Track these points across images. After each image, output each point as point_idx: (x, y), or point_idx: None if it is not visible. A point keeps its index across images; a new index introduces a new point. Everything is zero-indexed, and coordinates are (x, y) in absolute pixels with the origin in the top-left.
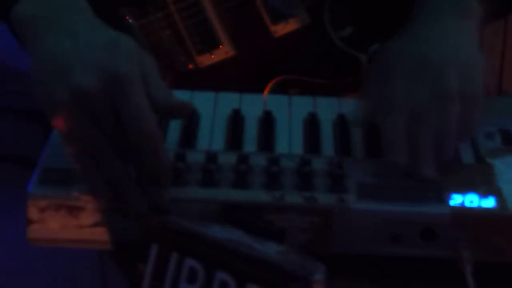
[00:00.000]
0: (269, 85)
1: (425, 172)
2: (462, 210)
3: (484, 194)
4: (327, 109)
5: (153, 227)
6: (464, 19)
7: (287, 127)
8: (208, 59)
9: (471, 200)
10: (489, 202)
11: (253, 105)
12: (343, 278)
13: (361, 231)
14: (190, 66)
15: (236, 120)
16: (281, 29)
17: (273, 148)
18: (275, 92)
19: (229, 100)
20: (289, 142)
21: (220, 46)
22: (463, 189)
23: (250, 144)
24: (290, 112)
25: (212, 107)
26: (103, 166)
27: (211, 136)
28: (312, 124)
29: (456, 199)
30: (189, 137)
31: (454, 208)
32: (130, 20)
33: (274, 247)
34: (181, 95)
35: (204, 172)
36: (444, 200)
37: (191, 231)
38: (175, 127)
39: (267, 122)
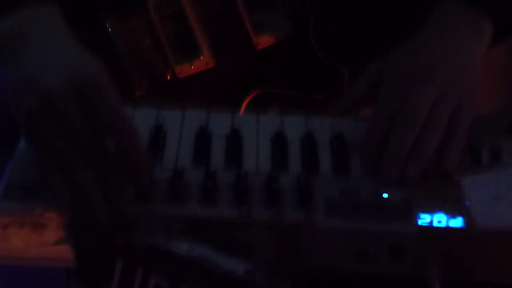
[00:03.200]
0: (248, 99)
1: (385, 173)
2: (430, 229)
3: (452, 214)
4: (295, 128)
5: (118, 243)
6: (475, 42)
7: (254, 145)
8: (187, 69)
9: (439, 219)
10: (457, 222)
11: (220, 124)
12: None
13: (328, 248)
14: (168, 77)
15: (203, 138)
16: (265, 41)
17: (241, 166)
18: (254, 106)
19: (196, 118)
20: (256, 159)
21: (201, 57)
22: (431, 208)
23: (217, 161)
24: (258, 130)
25: (179, 125)
26: (69, 176)
27: (178, 153)
28: (279, 142)
29: (424, 218)
30: (156, 153)
31: (422, 227)
32: (109, 29)
33: (241, 264)
34: (148, 112)
35: (170, 188)
36: (412, 219)
37: (156, 247)
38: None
39: (235, 139)
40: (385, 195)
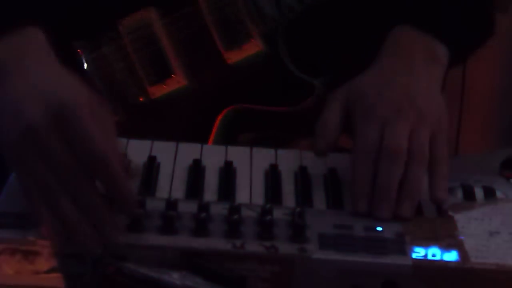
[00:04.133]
0: (221, 115)
1: (358, 208)
2: (424, 263)
3: (446, 247)
4: (289, 161)
5: (111, 272)
6: (433, 65)
7: (248, 178)
8: (160, 90)
9: (433, 253)
10: (451, 256)
11: (214, 156)
12: None
13: (322, 282)
14: (141, 99)
15: (196, 170)
16: (235, 55)
17: (234, 198)
18: (229, 123)
19: (190, 151)
20: (249, 192)
21: (172, 76)
22: (425, 242)
23: (210, 194)
24: (251, 163)
25: (172, 157)
26: (53, 206)
27: (171, 185)
28: (273, 175)
29: (418, 252)
30: (149, 185)
31: (416, 260)
32: (81, 56)
33: None
34: (141, 145)
35: (163, 219)
36: (406, 252)
37: (149, 277)
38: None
39: (228, 172)
40: (379, 229)
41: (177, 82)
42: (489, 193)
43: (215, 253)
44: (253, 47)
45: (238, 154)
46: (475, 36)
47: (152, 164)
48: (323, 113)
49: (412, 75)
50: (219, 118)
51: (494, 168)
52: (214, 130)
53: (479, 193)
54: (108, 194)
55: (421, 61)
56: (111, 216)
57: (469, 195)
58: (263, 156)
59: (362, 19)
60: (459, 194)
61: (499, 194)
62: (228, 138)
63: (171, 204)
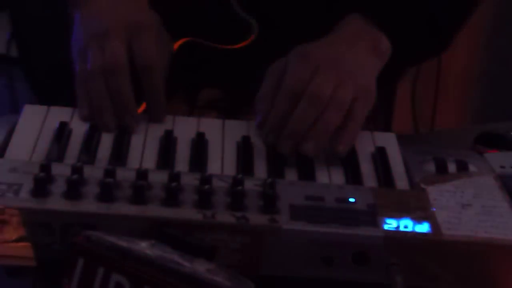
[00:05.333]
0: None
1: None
2: (395, 234)
3: (418, 219)
4: (261, 133)
5: (79, 241)
6: (372, 55)
7: (219, 149)
8: None
9: (405, 224)
10: (423, 227)
11: (186, 127)
12: None
13: (292, 253)
14: None
15: (168, 141)
16: None
17: (205, 169)
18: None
19: (162, 123)
20: (221, 163)
21: None
22: (398, 214)
23: (182, 164)
24: (223, 135)
25: (144, 128)
26: (92, 84)
27: (142, 156)
28: (245, 147)
29: (390, 224)
30: (119, 155)
31: (387, 232)
32: None
33: (203, 265)
34: None
35: (134, 189)
36: (377, 224)
37: (118, 246)
38: (106, 145)
39: (200, 143)
40: (352, 200)
41: None
42: (462, 167)
43: (185, 223)
44: None
45: (210, 126)
46: (425, 41)
47: (123, 135)
48: (261, 87)
49: (351, 51)
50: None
51: (467, 144)
52: None
53: (451, 166)
54: (145, 99)
55: (363, 48)
56: (133, 108)
57: (441, 168)
58: (236, 128)
59: None
60: (432, 166)
61: (472, 168)
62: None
63: (142, 174)
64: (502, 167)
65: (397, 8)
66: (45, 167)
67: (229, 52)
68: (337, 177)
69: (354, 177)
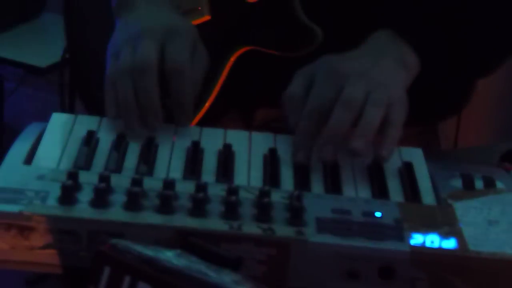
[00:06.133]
0: (235, 56)
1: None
2: (422, 250)
3: (445, 235)
4: (287, 146)
5: (106, 249)
6: (400, 69)
7: (246, 160)
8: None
9: (432, 240)
10: (450, 243)
11: (213, 139)
12: None
13: (318, 266)
14: None
15: (195, 151)
16: None
17: (232, 180)
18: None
19: (189, 133)
20: (248, 175)
21: (198, 8)
22: (424, 230)
23: (208, 175)
24: (250, 147)
25: (171, 139)
26: (120, 87)
27: (169, 166)
28: (272, 159)
29: (416, 239)
30: (147, 164)
31: (414, 247)
32: None
33: (229, 275)
34: None
35: (161, 198)
36: (404, 238)
37: (144, 255)
38: (133, 154)
39: (227, 154)
40: (378, 214)
41: (200, 14)
42: (489, 183)
43: (211, 234)
44: None
45: (237, 137)
46: (455, 64)
47: (150, 144)
48: (288, 88)
49: (378, 64)
50: (232, 60)
51: (493, 161)
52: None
53: (478, 183)
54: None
55: (390, 61)
56: (158, 109)
57: (468, 184)
58: (262, 140)
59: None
60: (459, 182)
61: (499, 185)
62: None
63: (169, 184)
64: None
65: (428, 27)
66: (72, 175)
67: (289, 63)
68: (364, 191)
69: (380, 191)
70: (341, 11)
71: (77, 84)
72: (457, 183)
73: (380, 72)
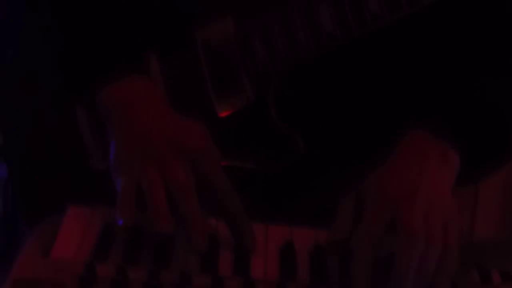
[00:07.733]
0: None
1: None
2: None
3: None
4: (303, 238)
5: None
6: (445, 167)
7: (263, 253)
8: None
9: None
10: None
11: (229, 232)
12: None
13: None
14: None
15: (212, 244)
16: (227, 107)
17: (249, 272)
18: None
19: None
20: (264, 267)
21: None
22: None
23: (225, 269)
24: (267, 240)
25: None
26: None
27: (186, 259)
28: (288, 252)
29: None
30: (163, 256)
31: None
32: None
33: None
34: None
35: None
36: None
37: None
38: (150, 245)
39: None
40: None
41: None
42: (506, 277)
43: None
44: (243, 100)
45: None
46: (491, 150)
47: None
48: (336, 220)
49: (424, 174)
50: None
51: (509, 255)
52: None
53: (495, 276)
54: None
55: (433, 162)
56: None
57: (485, 278)
58: (278, 233)
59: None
60: (476, 276)
61: None
62: None
63: (185, 277)
64: None
65: (465, 119)
66: (89, 267)
67: (270, 175)
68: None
69: None
70: (326, 117)
71: None
72: (474, 277)
73: (429, 185)
